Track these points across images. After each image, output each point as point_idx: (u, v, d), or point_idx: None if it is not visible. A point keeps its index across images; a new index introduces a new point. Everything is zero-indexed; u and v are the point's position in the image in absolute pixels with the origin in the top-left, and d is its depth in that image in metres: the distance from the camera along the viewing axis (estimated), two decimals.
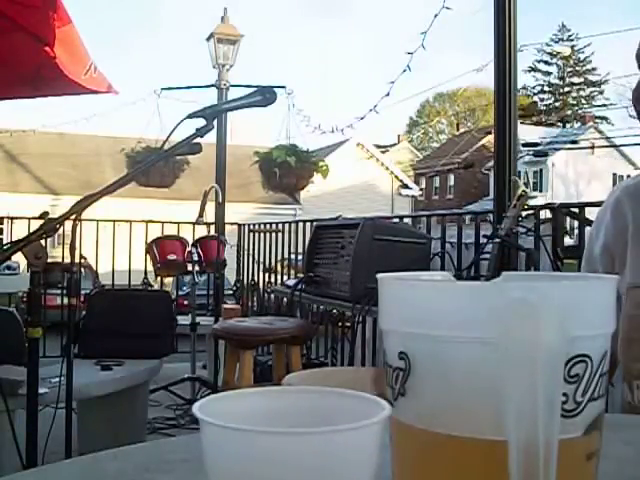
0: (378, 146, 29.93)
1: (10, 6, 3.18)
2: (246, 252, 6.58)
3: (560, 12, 72.19)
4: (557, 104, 46.99)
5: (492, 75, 3.31)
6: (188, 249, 4.76)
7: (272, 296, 5.57)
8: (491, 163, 21.38)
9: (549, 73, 47.49)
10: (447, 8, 4.01)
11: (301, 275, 4.13)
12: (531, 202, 3.50)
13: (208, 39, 6.82)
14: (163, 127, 6.75)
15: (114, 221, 6.02)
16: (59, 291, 5.36)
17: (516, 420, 0.37)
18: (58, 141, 20.33)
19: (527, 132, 30.03)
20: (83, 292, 3.47)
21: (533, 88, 47.51)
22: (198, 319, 4.93)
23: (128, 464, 0.70)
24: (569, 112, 45.39)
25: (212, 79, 6.67)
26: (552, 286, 0.41)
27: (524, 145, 27.00)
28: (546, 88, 47.51)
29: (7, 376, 2.65)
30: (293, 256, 5.49)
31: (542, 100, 47.71)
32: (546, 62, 46.71)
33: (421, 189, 32.68)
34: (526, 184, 28.10)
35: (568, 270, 3.15)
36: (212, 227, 6.00)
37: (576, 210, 3.13)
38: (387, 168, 26.16)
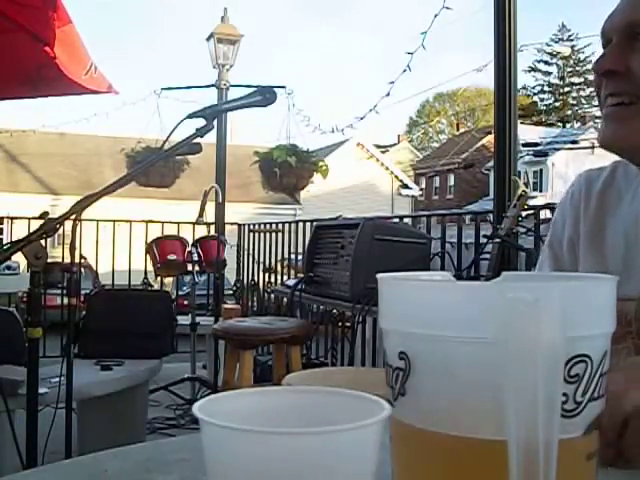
0: (378, 146, 29.92)
1: (10, 6, 3.18)
2: (246, 252, 6.58)
3: (560, 12, 72.32)
4: (557, 104, 46.99)
5: (492, 75, 3.31)
6: (188, 249, 4.76)
7: (272, 296, 5.57)
8: (491, 163, 21.36)
9: (549, 73, 47.50)
10: (447, 8, 4.01)
11: (301, 275, 4.13)
12: (531, 202, 3.50)
13: (208, 39, 6.82)
14: (163, 127, 6.76)
15: (114, 221, 6.01)
16: (59, 291, 5.36)
17: (516, 420, 0.37)
18: (58, 141, 20.31)
19: (527, 132, 30.03)
20: (83, 292, 3.48)
21: (533, 88, 47.55)
22: (198, 319, 4.93)
23: (128, 464, 0.70)
24: (569, 112, 45.42)
25: (212, 79, 6.67)
26: (552, 286, 0.41)
27: (524, 145, 27.01)
28: (546, 88, 47.51)
29: (7, 376, 2.65)
30: (293, 256, 5.49)
31: (542, 100, 47.72)
32: (546, 62, 46.72)
33: (421, 189, 32.66)
34: (526, 184, 28.06)
35: None
36: (212, 227, 6.00)
37: None
38: (387, 168, 26.15)
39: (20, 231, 4.46)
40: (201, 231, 5.58)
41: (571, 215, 1.15)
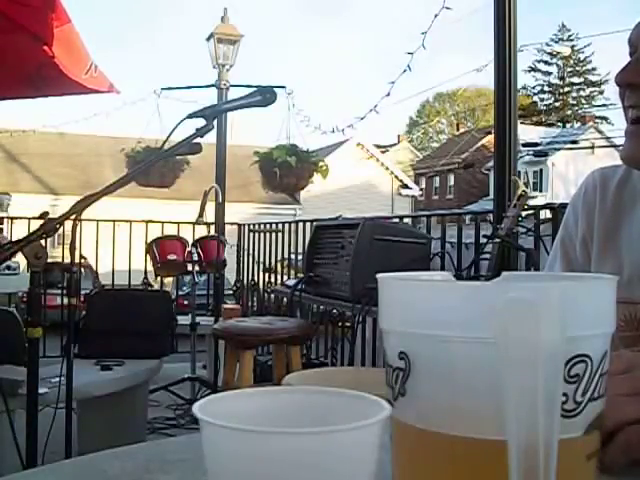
0: (378, 146, 29.92)
1: (10, 6, 3.18)
2: (246, 252, 6.58)
3: (560, 12, 72.29)
4: (557, 104, 46.98)
5: (492, 75, 3.32)
6: (188, 249, 4.76)
7: (272, 296, 5.57)
8: (491, 163, 21.37)
9: (549, 73, 47.50)
10: (447, 8, 4.01)
11: (301, 275, 4.13)
12: (531, 202, 3.51)
13: (208, 39, 6.82)
14: (163, 127, 6.77)
15: (114, 221, 6.02)
16: (59, 291, 5.36)
17: (516, 420, 0.37)
18: (58, 141, 20.31)
19: (527, 132, 30.05)
20: (83, 292, 3.47)
21: (533, 88, 47.54)
22: (198, 319, 4.93)
23: (128, 464, 0.70)
24: (569, 112, 45.42)
25: (212, 79, 6.67)
26: (552, 286, 0.41)
27: (524, 145, 27.00)
28: (546, 88, 47.50)
29: (7, 376, 2.65)
30: (293, 256, 5.49)
31: (542, 100, 47.71)
32: (546, 62, 46.70)
33: (421, 189, 32.67)
34: (526, 184, 28.08)
35: None
36: (212, 227, 6.00)
37: None
38: (387, 168, 26.15)
39: (20, 231, 4.46)
40: (201, 231, 5.58)
41: (584, 212, 1.12)
